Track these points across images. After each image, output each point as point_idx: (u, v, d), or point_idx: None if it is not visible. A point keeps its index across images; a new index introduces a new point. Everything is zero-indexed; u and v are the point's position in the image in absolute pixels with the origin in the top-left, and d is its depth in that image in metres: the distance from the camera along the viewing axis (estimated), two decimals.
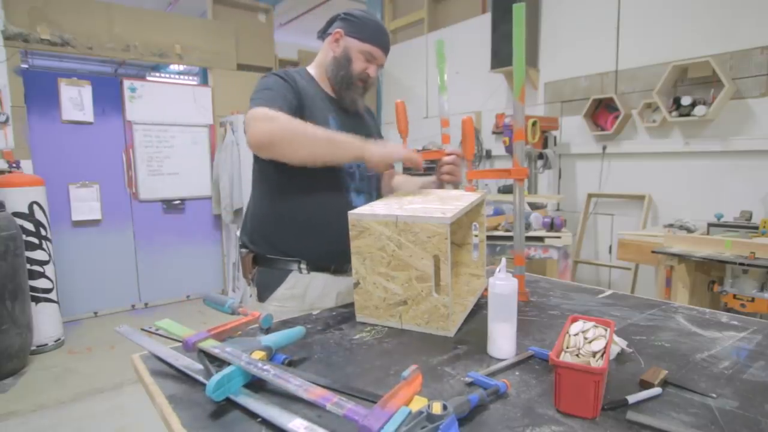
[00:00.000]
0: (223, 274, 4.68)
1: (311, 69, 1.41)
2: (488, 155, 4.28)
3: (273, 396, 0.74)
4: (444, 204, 1.10)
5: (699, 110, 2.76)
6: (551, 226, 2.81)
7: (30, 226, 3.15)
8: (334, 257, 1.31)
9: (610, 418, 0.68)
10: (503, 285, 0.89)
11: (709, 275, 2.28)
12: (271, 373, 0.71)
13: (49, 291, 3.30)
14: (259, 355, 0.79)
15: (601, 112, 3.39)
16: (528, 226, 2.79)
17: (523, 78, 1.17)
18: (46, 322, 3.28)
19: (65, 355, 3.28)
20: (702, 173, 2.95)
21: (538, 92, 3.84)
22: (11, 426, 2.41)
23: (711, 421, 0.67)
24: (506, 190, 3.65)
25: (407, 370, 0.68)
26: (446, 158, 1.39)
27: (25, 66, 5.91)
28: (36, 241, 3.20)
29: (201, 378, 0.79)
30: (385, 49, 1.36)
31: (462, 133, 1.34)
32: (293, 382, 0.68)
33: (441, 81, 1.45)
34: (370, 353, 0.93)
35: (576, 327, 0.81)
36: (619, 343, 0.89)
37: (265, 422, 0.67)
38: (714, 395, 0.74)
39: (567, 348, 0.77)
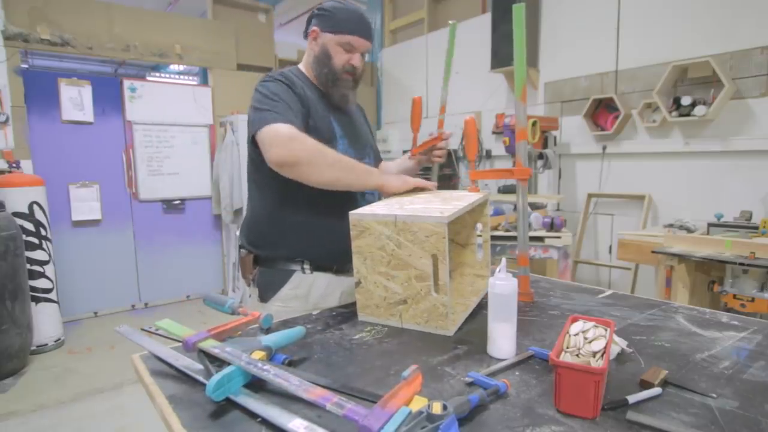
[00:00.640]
0: (223, 274, 4.68)
1: (303, 68, 1.39)
2: (488, 155, 4.28)
3: (273, 396, 0.74)
4: (445, 204, 1.10)
5: (699, 110, 2.76)
6: (551, 226, 2.81)
7: (30, 226, 3.15)
8: (336, 257, 1.30)
9: (610, 418, 0.68)
10: (503, 285, 0.89)
11: (709, 275, 2.28)
12: (271, 373, 0.71)
13: (49, 291, 3.30)
14: (259, 355, 0.79)
15: (601, 112, 3.39)
16: (528, 226, 2.79)
17: (524, 78, 1.17)
18: (46, 322, 3.28)
19: (65, 355, 3.28)
20: (702, 173, 2.95)
21: (538, 92, 3.84)
22: (11, 426, 2.41)
23: (711, 421, 0.67)
24: (506, 190, 3.65)
25: (407, 370, 0.68)
26: (441, 143, 1.43)
27: (25, 66, 5.91)
28: (36, 241, 3.20)
29: (201, 378, 0.79)
30: (364, 35, 1.31)
31: (464, 133, 1.35)
32: (293, 382, 0.68)
33: (447, 65, 1.43)
34: (370, 353, 0.93)
35: (576, 327, 0.81)
36: (619, 343, 0.89)
37: (265, 422, 0.67)
38: (714, 395, 0.74)
39: (567, 348, 0.77)
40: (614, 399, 0.72)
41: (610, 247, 3.46)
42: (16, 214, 3.06)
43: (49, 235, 3.30)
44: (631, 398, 0.72)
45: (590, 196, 3.55)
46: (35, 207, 3.19)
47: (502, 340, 0.89)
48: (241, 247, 1.41)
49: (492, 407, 0.72)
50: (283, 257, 1.32)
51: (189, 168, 4.43)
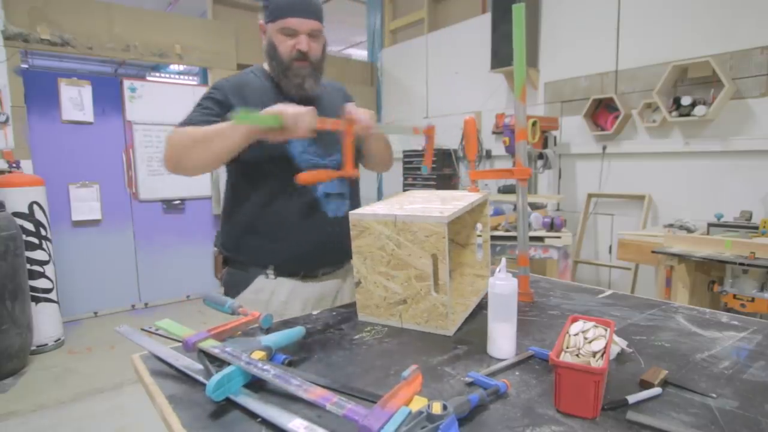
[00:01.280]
0: None
1: (266, 65, 1.33)
2: (488, 155, 4.28)
3: (273, 396, 0.74)
4: (444, 204, 1.10)
5: (699, 110, 2.76)
6: (551, 226, 2.81)
7: (30, 226, 3.15)
8: (302, 262, 1.29)
9: (610, 418, 0.68)
10: (503, 285, 0.89)
11: (709, 275, 2.28)
12: (271, 373, 0.71)
13: (49, 291, 3.30)
14: (259, 355, 0.79)
15: (601, 112, 3.39)
16: (528, 226, 2.79)
17: (523, 78, 1.17)
18: (46, 322, 3.28)
19: (65, 355, 3.28)
20: (702, 173, 2.95)
21: (538, 92, 3.84)
22: (11, 426, 2.41)
23: (711, 421, 0.67)
24: (506, 190, 3.65)
25: (407, 370, 0.68)
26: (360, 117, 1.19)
27: (25, 66, 5.91)
28: (36, 241, 3.20)
29: (201, 378, 0.79)
30: (304, 13, 1.20)
31: (464, 133, 1.33)
32: (293, 382, 0.68)
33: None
34: (370, 353, 0.93)
35: (576, 327, 0.81)
36: (619, 343, 0.89)
37: (265, 422, 0.67)
38: (714, 395, 0.74)
39: (567, 348, 0.77)
40: (614, 399, 0.72)
41: (610, 247, 3.46)
42: (16, 214, 3.06)
43: (49, 235, 3.29)
44: (631, 398, 0.72)
45: (590, 196, 3.55)
46: (35, 207, 3.19)
47: (502, 340, 0.89)
48: (214, 244, 1.42)
49: (492, 407, 0.72)
50: (246, 260, 1.30)
51: None
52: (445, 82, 4.66)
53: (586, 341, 0.77)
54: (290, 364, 0.86)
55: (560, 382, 0.70)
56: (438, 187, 4.33)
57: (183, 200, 4.43)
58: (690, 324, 1.07)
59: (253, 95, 1.25)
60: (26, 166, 3.51)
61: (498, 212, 3.11)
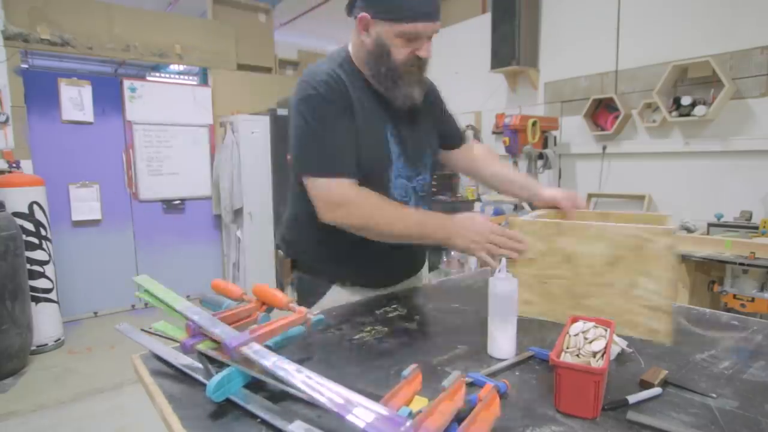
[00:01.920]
0: (223, 274, 4.67)
1: (352, 55, 1.15)
2: None
3: (273, 396, 0.74)
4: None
5: (699, 110, 2.76)
6: None
7: (30, 226, 3.15)
8: (381, 273, 1.26)
9: (611, 418, 0.68)
10: (503, 285, 0.89)
11: (709, 275, 2.28)
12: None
13: (49, 291, 3.30)
14: None
15: (601, 112, 3.39)
16: None
17: None
18: (46, 322, 3.28)
19: (65, 355, 3.28)
20: (702, 173, 2.95)
21: (538, 92, 3.84)
22: (11, 426, 2.41)
23: (711, 421, 0.67)
24: None
25: (407, 369, 0.68)
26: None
27: (25, 66, 5.90)
28: (36, 241, 3.20)
29: (201, 378, 0.79)
30: (432, 16, 1.07)
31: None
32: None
33: None
34: (370, 353, 0.93)
35: (576, 327, 0.81)
36: (619, 343, 0.89)
37: (265, 423, 0.67)
38: (714, 395, 0.74)
39: (567, 348, 0.77)
40: (614, 399, 0.72)
41: None
42: (16, 214, 3.06)
43: (49, 235, 3.29)
44: (631, 398, 0.72)
45: (590, 196, 3.55)
46: (35, 207, 3.19)
47: (502, 340, 0.89)
48: (277, 247, 1.32)
49: None
50: (322, 268, 1.25)
51: (189, 168, 4.43)
52: (445, 82, 4.63)
53: (587, 341, 0.77)
54: None
55: (560, 382, 0.70)
56: (438, 186, 4.33)
57: (183, 200, 4.43)
58: (690, 324, 1.07)
59: (358, 102, 1.10)
60: (26, 166, 3.51)
61: (498, 212, 3.11)
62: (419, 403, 0.64)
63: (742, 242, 2.09)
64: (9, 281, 2.82)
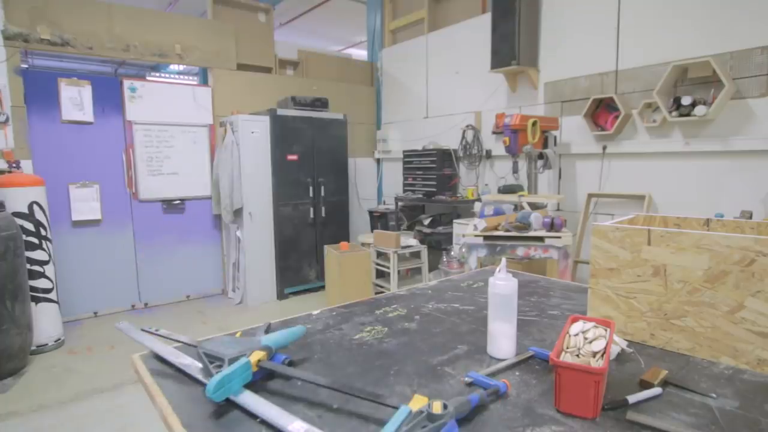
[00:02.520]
0: (223, 274, 4.67)
1: None
2: (488, 155, 4.28)
3: (273, 396, 0.74)
4: None
5: (699, 110, 2.76)
6: (551, 226, 2.80)
7: (30, 226, 3.15)
8: None
9: (611, 418, 0.68)
10: (503, 285, 0.89)
11: None
12: None
13: (49, 291, 3.30)
14: (259, 355, 0.79)
15: (602, 112, 3.39)
16: (528, 226, 2.79)
17: None
18: (46, 322, 3.28)
19: (65, 355, 3.28)
20: (702, 173, 2.95)
21: (538, 92, 3.84)
22: (11, 426, 2.41)
23: (711, 421, 0.67)
24: (506, 190, 3.65)
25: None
26: None
27: (25, 66, 5.90)
28: (36, 241, 3.20)
29: (201, 378, 0.79)
30: None
31: None
32: None
33: None
34: (370, 353, 0.93)
35: (576, 327, 0.81)
36: (619, 343, 0.89)
37: (265, 423, 0.67)
38: (714, 395, 0.74)
39: (567, 348, 0.77)
40: (614, 399, 0.72)
41: None
42: (16, 214, 3.06)
43: (49, 235, 3.29)
44: (631, 398, 0.72)
45: (590, 196, 3.55)
46: (35, 207, 3.19)
47: (502, 340, 0.89)
48: None
49: (492, 407, 0.72)
50: None
51: (189, 168, 4.43)
52: (445, 82, 4.66)
53: (587, 341, 0.77)
54: (290, 364, 0.86)
55: (560, 382, 0.70)
56: (438, 186, 4.33)
57: (183, 200, 4.43)
58: None
59: None
60: (26, 166, 3.51)
61: (498, 212, 3.11)
62: (420, 403, 0.64)
63: None
64: (9, 281, 2.82)
